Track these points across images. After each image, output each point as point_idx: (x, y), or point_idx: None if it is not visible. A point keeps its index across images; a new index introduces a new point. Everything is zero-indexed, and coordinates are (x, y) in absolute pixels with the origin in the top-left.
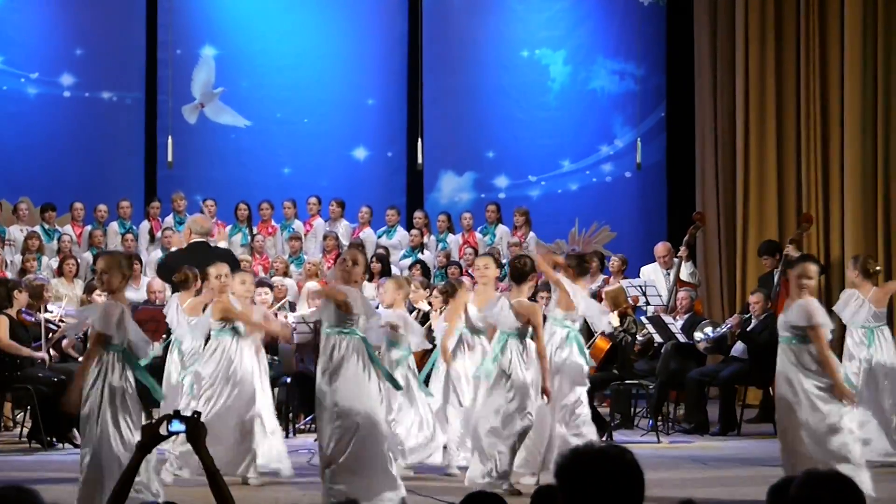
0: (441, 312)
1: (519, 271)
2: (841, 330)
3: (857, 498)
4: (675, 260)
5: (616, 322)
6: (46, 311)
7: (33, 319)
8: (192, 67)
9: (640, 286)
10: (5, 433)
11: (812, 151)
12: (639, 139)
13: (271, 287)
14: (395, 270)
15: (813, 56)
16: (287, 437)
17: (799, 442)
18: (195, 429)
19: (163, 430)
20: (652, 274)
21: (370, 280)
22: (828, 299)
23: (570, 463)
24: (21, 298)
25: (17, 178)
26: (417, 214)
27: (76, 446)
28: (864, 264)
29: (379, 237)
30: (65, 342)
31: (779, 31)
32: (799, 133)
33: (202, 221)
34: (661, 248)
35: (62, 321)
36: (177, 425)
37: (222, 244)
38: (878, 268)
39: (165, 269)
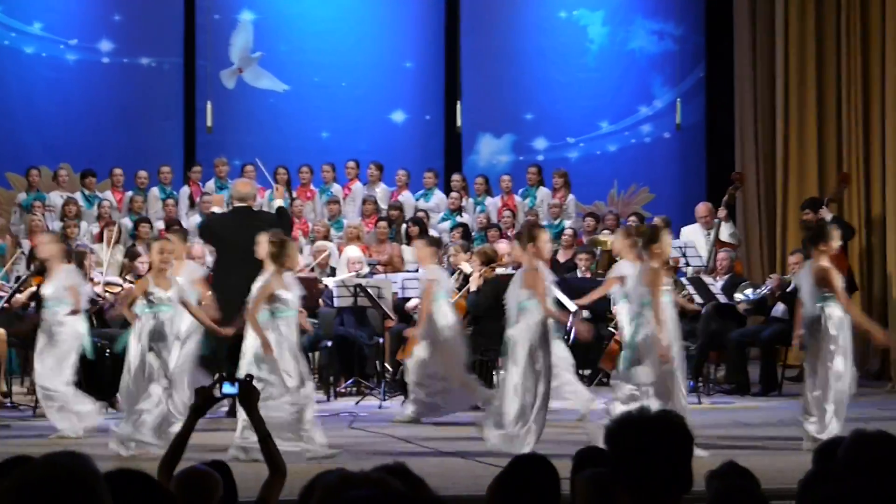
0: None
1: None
2: None
3: None
4: (715, 221)
5: None
6: (90, 278)
7: None
8: (231, 32)
9: (680, 247)
10: None
11: (852, 110)
12: (678, 100)
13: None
14: (433, 234)
15: (853, 13)
16: (328, 400)
17: None
18: (247, 392)
19: (216, 393)
20: (692, 235)
21: (408, 243)
22: (869, 259)
23: (622, 428)
24: None
25: (57, 145)
26: (455, 177)
27: (118, 410)
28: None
29: (417, 200)
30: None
31: None
32: (839, 91)
33: (240, 187)
34: (702, 208)
35: (108, 291)
36: (228, 388)
37: (279, 202)
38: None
39: (207, 232)
